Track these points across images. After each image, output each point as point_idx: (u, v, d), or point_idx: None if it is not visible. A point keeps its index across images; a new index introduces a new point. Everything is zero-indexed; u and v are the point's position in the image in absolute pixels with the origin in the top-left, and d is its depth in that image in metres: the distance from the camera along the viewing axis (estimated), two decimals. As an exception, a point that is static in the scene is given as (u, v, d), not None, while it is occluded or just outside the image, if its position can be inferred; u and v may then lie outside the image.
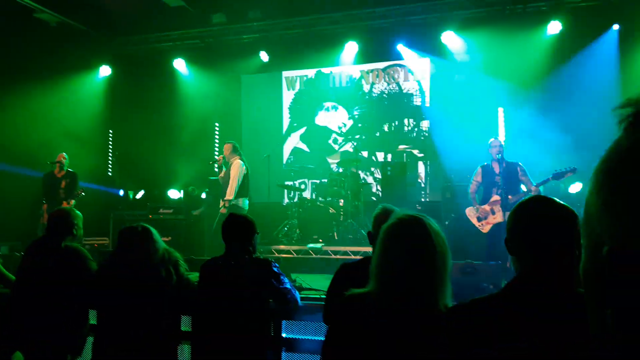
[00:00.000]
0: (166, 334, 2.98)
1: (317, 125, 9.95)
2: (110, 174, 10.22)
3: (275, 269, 3.00)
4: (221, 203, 6.58)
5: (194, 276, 3.20)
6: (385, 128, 9.55)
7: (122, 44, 10.04)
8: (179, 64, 9.94)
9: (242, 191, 6.63)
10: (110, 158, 10.41)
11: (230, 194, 6.52)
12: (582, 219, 0.72)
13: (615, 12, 7.76)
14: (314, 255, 7.14)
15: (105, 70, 10.12)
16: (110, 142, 10.30)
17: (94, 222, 6.84)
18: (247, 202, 6.69)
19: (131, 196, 9.18)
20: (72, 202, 6.97)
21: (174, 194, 9.08)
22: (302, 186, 9.26)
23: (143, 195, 8.82)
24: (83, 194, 7.18)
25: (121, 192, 9.16)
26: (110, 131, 10.49)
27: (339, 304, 1.70)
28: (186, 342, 3.20)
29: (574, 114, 7.40)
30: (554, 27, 7.98)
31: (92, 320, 3.24)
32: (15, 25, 8.37)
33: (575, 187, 6.83)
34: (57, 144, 8.11)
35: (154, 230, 3.06)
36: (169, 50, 9.94)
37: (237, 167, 6.67)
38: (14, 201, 7.63)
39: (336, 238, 7.63)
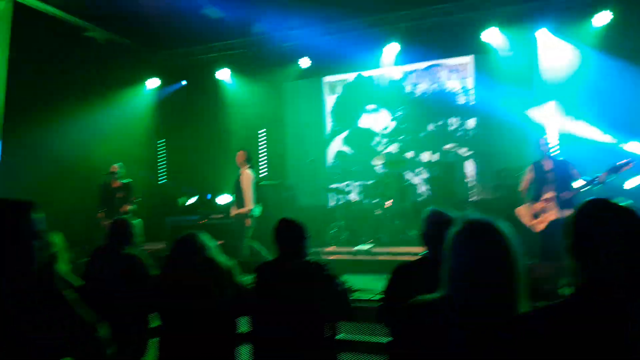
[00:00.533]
0: (225, 335, 3.06)
1: (360, 128, 9.96)
2: (163, 182, 10.58)
3: (328, 272, 3.04)
4: (233, 211, 6.95)
5: (247, 279, 3.27)
6: (430, 128, 9.45)
7: (168, 57, 10.38)
8: (223, 74, 10.18)
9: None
10: (162, 167, 10.78)
11: (249, 203, 6.83)
12: None
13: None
14: (362, 257, 7.14)
15: (153, 83, 10.47)
16: (162, 152, 10.64)
17: (149, 228, 7.08)
18: (258, 209, 6.96)
19: (180, 203, 9.45)
20: (129, 207, 7.27)
21: (225, 199, 9.28)
22: (348, 188, 9.27)
23: (195, 201, 9.07)
24: (139, 199, 7.46)
25: (195, 199, 9.41)
26: (161, 141, 10.85)
27: (406, 310, 1.64)
28: (244, 343, 3.26)
29: (625, 105, 7.11)
30: (602, 18, 7.68)
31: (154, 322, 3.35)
32: (66, 45, 8.79)
33: (632, 183, 6.51)
34: (111, 155, 8.45)
35: (207, 237, 3.16)
36: (212, 61, 10.19)
37: (249, 177, 6.92)
38: (72, 211, 7.99)
39: (384, 239, 7.60)
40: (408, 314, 1.64)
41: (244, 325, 3.29)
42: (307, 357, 2.96)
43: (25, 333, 1.67)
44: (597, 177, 5.35)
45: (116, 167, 7.64)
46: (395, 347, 1.83)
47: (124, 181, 7.62)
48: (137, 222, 3.63)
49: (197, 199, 9.00)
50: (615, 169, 5.32)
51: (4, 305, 1.68)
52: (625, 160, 5.27)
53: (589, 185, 5.39)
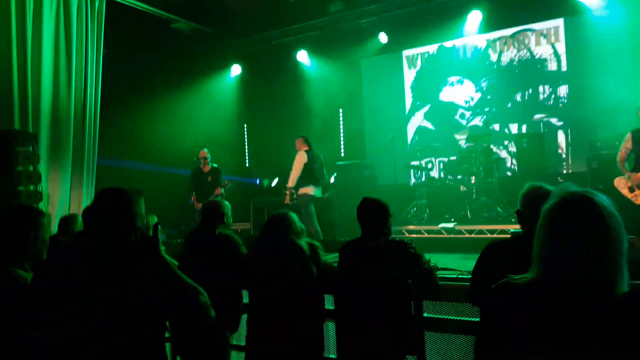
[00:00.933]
0: (310, 312, 3.18)
1: (441, 102, 9.67)
2: (247, 165, 11.00)
3: (412, 250, 3.04)
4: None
5: (331, 257, 3.36)
6: (518, 98, 8.97)
7: (248, 43, 10.66)
8: (302, 56, 10.29)
9: (307, 179, 7.06)
10: (246, 150, 11.19)
11: (291, 181, 7.08)
12: None
13: None
14: (446, 235, 7.01)
15: (236, 70, 10.83)
16: (246, 136, 11.03)
17: (237, 209, 7.42)
18: (316, 190, 7.13)
19: (265, 184, 9.77)
20: (221, 190, 7.66)
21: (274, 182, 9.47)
22: (429, 165, 9.09)
23: (277, 183, 9.34)
24: (229, 184, 7.83)
25: (257, 181, 9.77)
26: (245, 125, 11.24)
27: (495, 290, 1.54)
28: (330, 319, 3.37)
29: None
30: None
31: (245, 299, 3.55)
32: (155, 38, 9.31)
33: None
34: (200, 141, 8.90)
35: (295, 216, 3.28)
36: (291, 43, 10.33)
37: (299, 158, 7.17)
38: (166, 195, 8.55)
39: (469, 217, 7.40)
40: (499, 294, 1.55)
41: (329, 302, 3.40)
42: (392, 335, 3.00)
43: (134, 294, 1.81)
44: None
45: (205, 152, 8.04)
46: (485, 327, 1.77)
47: (213, 165, 8.01)
48: (227, 204, 3.83)
49: (279, 181, 9.26)
50: None
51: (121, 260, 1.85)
52: None
53: None
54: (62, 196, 7.71)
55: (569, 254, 1.40)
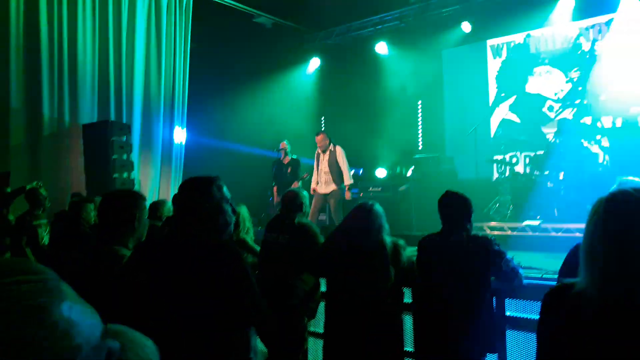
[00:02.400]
0: (388, 303, 3.17)
1: (528, 94, 9.21)
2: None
3: (496, 247, 2.95)
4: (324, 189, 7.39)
5: (408, 251, 3.31)
6: (612, 89, 8.34)
7: (327, 35, 10.73)
8: (381, 48, 10.21)
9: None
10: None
11: (348, 178, 7.30)
12: None
13: None
14: (531, 233, 6.68)
15: (315, 63, 10.96)
16: (323, 127, 11.14)
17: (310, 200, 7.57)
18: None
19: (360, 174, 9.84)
20: (299, 183, 7.79)
21: (381, 172, 9.41)
22: (514, 160, 8.70)
23: (354, 175, 9.37)
24: (307, 176, 7.95)
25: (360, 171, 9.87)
26: (323, 118, 11.35)
27: (548, 294, 1.43)
28: (408, 312, 3.34)
29: None
30: None
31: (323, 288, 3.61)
32: (239, 31, 9.62)
33: None
34: (281, 133, 9.11)
35: (379, 208, 3.26)
36: (371, 35, 10.28)
37: (342, 153, 7.33)
38: (249, 185, 8.84)
39: (556, 214, 7.01)
40: (548, 301, 1.44)
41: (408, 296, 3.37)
42: (472, 331, 2.93)
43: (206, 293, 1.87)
44: None
45: (285, 144, 8.22)
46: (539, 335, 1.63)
47: (293, 157, 8.16)
48: (305, 194, 3.90)
49: (357, 173, 9.28)
50: None
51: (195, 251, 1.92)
52: None
53: None
54: (152, 183, 8.22)
55: (606, 255, 1.27)
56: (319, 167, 7.50)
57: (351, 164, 7.70)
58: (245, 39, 9.76)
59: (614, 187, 2.41)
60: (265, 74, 10.13)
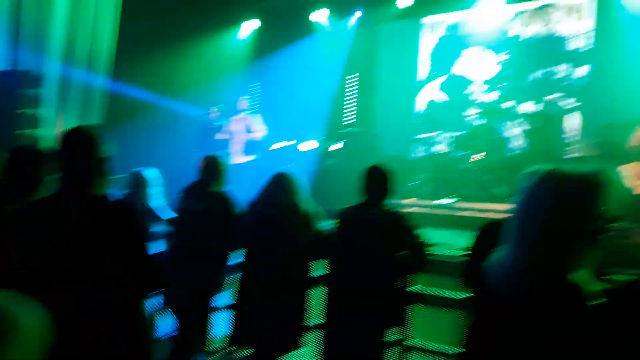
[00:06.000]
0: (299, 275, 3.20)
1: (456, 75, 9.45)
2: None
3: (410, 223, 3.03)
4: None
5: (328, 224, 3.34)
6: (536, 75, 8.72)
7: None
8: (320, 16, 10.02)
9: None
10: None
11: None
12: None
13: None
14: (444, 211, 6.97)
15: (253, 25, 10.59)
16: (258, 95, 10.86)
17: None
18: None
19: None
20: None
21: (308, 145, 9.38)
22: (438, 138, 8.95)
23: (280, 147, 9.26)
24: None
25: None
26: (258, 83, 11.06)
27: (480, 270, 1.49)
28: (319, 285, 3.37)
29: None
30: None
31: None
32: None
33: None
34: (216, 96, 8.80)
35: (298, 179, 3.25)
36: (309, 2, 10.04)
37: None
38: (169, 151, 8.53)
39: (471, 194, 7.33)
40: (481, 275, 1.51)
41: (319, 269, 3.40)
42: (379, 304, 3.01)
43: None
44: None
45: (216, 109, 7.97)
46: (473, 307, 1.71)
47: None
48: (227, 161, 3.79)
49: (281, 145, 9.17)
50: None
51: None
52: None
53: None
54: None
55: (517, 232, 1.36)
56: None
57: (281, 137, 7.58)
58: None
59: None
60: (199, 30, 9.70)
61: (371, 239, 3.04)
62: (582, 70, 8.31)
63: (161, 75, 9.26)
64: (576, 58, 8.37)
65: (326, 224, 3.34)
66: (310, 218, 3.23)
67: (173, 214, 3.77)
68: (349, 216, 3.21)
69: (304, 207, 3.24)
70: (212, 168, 3.67)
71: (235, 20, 10.52)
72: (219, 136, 7.77)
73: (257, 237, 3.26)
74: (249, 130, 7.12)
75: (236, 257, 3.45)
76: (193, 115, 8.82)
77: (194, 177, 3.71)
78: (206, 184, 3.62)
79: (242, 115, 7.23)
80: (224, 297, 3.50)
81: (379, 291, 3.02)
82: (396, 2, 9.29)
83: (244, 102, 7.22)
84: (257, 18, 10.52)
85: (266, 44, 10.47)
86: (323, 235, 3.27)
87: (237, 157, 7.18)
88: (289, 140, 9.16)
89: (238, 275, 3.34)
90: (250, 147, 7.10)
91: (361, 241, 3.06)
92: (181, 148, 8.74)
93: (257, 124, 7.11)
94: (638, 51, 7.39)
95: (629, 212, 4.80)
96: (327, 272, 3.33)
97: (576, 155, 7.36)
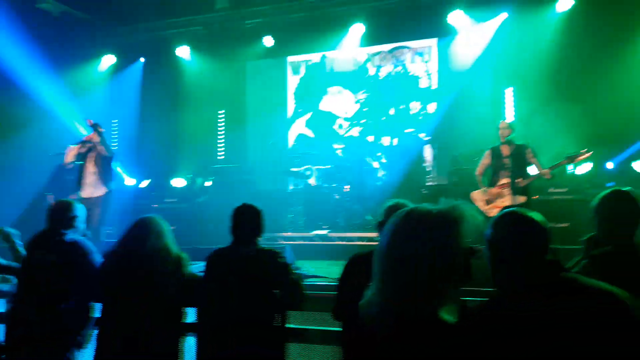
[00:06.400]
0: (169, 325, 2.98)
1: (322, 111, 9.85)
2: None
3: (283, 260, 2.99)
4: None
5: (199, 266, 3.18)
6: (392, 112, 9.43)
7: (126, 33, 9.97)
8: (183, 52, 9.86)
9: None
10: (114, 146, 10.38)
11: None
12: None
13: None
14: (320, 242, 7.10)
15: (109, 60, 10.06)
16: (114, 132, 10.26)
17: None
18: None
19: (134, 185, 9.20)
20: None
21: (179, 182, 9.06)
22: (308, 172, 9.20)
23: (148, 185, 8.80)
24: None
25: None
26: (115, 121, 10.45)
27: (353, 308, 1.48)
28: (191, 333, 3.18)
29: (586, 94, 7.30)
30: (564, 4, 7.79)
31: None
32: (19, 17, 8.31)
33: (584, 168, 6.69)
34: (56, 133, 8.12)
35: (164, 223, 3.06)
36: (172, 37, 9.86)
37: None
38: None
39: (342, 224, 7.59)
40: (352, 310, 1.54)
41: (191, 315, 3.21)
42: (256, 347, 2.90)
43: None
44: (553, 167, 5.45)
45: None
46: (347, 342, 1.71)
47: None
48: (81, 206, 3.46)
49: (150, 182, 8.73)
50: (570, 159, 5.43)
51: None
52: (581, 151, 5.38)
53: (545, 175, 5.48)
54: None
55: (383, 270, 1.39)
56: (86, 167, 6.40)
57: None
58: (28, 26, 8.44)
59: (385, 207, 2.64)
60: (50, 68, 8.92)
61: (244, 279, 2.95)
62: (432, 107, 9.17)
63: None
64: (426, 96, 9.23)
65: (196, 267, 3.18)
66: (180, 262, 3.05)
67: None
68: (220, 258, 3.09)
69: (173, 251, 3.05)
70: (64, 213, 3.32)
71: (92, 55, 9.92)
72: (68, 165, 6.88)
73: (119, 287, 2.99)
74: (100, 155, 6.35)
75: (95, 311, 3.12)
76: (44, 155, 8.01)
77: (43, 225, 3.32)
78: (57, 232, 3.26)
79: (88, 137, 6.45)
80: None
81: (255, 333, 2.92)
82: (263, 40, 9.47)
83: (89, 122, 6.45)
84: (113, 54, 10.01)
85: (125, 79, 10.01)
86: (193, 279, 3.10)
87: (91, 190, 6.44)
88: (156, 178, 8.75)
89: (95, 331, 3.02)
90: (106, 176, 6.40)
91: (233, 283, 2.95)
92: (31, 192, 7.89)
93: (103, 143, 6.38)
94: (472, 88, 8.39)
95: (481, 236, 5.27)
96: (198, 319, 3.15)
97: (433, 183, 8.01)
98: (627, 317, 1.26)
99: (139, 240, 3.01)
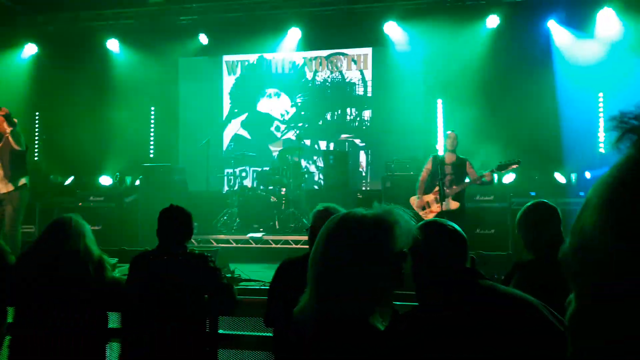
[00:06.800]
0: (91, 331, 2.81)
1: (259, 112, 9.76)
2: (36, 159, 9.56)
3: (211, 264, 2.90)
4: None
5: (124, 269, 3.03)
6: (328, 117, 9.51)
7: (49, 21, 9.38)
8: (112, 45, 9.43)
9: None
10: (36, 142, 9.73)
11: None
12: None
13: (550, 8, 8.04)
14: (254, 245, 7.01)
15: (30, 49, 9.42)
16: (37, 126, 9.63)
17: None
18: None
19: (54, 182, 8.68)
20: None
21: (106, 180, 8.63)
22: (243, 174, 9.07)
23: (72, 182, 8.33)
24: None
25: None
26: (37, 114, 9.80)
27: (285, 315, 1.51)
28: (115, 339, 3.02)
29: (512, 107, 7.71)
30: (493, 20, 8.19)
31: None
32: None
33: (509, 178, 7.09)
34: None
35: (85, 224, 2.88)
36: (101, 29, 9.39)
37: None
38: None
39: (277, 227, 7.54)
40: (283, 317, 1.51)
41: (115, 321, 3.05)
42: (184, 353, 2.80)
43: None
44: (483, 175, 5.68)
45: None
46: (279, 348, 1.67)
47: None
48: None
49: (74, 179, 8.28)
50: (501, 167, 5.69)
51: None
52: (512, 160, 5.65)
53: (476, 181, 5.72)
54: None
55: (315, 273, 1.39)
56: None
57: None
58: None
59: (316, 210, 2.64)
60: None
61: (169, 284, 2.83)
62: (367, 114, 9.34)
63: None
64: (362, 103, 9.39)
65: (121, 270, 3.02)
66: (102, 265, 2.88)
67: None
68: (145, 261, 2.95)
69: (94, 253, 2.88)
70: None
71: (12, 44, 9.24)
72: None
73: (35, 291, 2.78)
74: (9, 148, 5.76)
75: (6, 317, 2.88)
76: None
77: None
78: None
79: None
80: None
81: (183, 340, 2.81)
82: (199, 37, 9.24)
83: (1, 112, 5.82)
84: (34, 42, 9.38)
85: (48, 71, 9.42)
86: (116, 282, 2.94)
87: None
88: (81, 175, 8.30)
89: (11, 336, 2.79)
90: (17, 171, 5.81)
91: (158, 288, 2.82)
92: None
93: (14, 135, 5.79)
94: (406, 97, 8.64)
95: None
96: (122, 324, 2.99)
97: (367, 188, 8.16)
98: (541, 321, 1.31)
99: (57, 241, 2.82)
